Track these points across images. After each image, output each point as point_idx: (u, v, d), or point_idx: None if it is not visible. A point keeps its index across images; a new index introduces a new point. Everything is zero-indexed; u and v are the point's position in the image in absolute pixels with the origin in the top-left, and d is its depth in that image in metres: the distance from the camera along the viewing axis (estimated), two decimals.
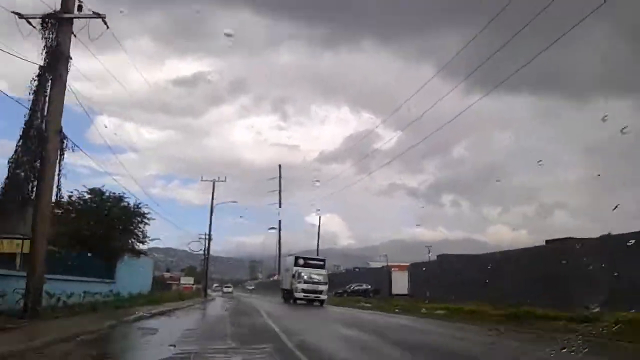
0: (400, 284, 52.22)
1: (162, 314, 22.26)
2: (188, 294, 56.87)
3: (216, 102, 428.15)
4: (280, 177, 70.03)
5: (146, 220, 27.78)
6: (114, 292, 26.22)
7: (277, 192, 70.77)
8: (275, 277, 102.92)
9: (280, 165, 72.07)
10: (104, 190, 26.68)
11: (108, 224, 25.54)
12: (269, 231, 76.91)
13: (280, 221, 69.70)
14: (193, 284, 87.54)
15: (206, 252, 66.93)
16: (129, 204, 27.22)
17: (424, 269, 43.40)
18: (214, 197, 59.55)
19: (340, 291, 54.49)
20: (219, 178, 60.42)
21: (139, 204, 27.72)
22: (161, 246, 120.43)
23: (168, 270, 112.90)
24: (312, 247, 72.03)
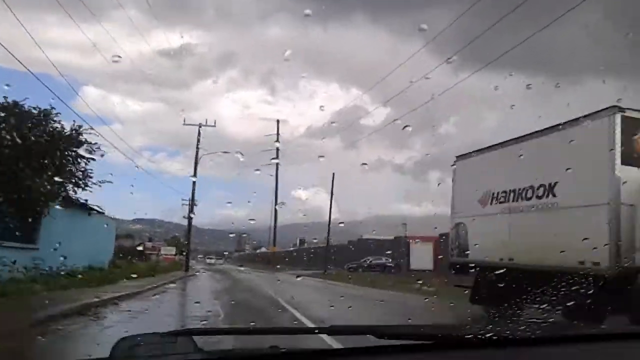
0: (422, 258, 43.20)
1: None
2: (167, 266, 47.67)
3: (203, 75, 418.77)
4: (277, 133, 59.82)
5: (89, 154, 17.52)
6: (39, 264, 16.50)
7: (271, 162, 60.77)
8: (263, 250, 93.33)
9: (278, 121, 61.65)
10: (22, 104, 16.55)
11: (25, 156, 15.40)
12: (257, 173, 66.71)
13: (277, 177, 59.52)
14: (175, 254, 78.41)
15: (190, 212, 57.62)
16: (62, 127, 17.09)
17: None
18: (199, 147, 48.78)
19: (353, 265, 45.52)
20: (206, 121, 49.35)
21: (80, 127, 17.44)
22: (147, 217, 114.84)
23: (150, 240, 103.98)
24: (298, 221, 63.61)
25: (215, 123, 49.97)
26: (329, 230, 43.10)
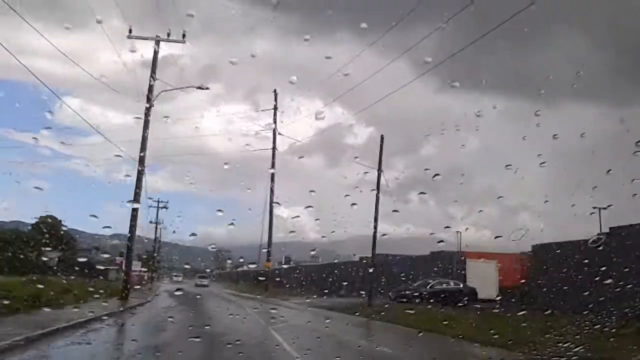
0: (483, 282, 29.63)
1: None
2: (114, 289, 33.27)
3: (186, 88, 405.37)
4: (276, 105, 45.60)
5: None
6: None
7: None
8: (251, 266, 78.65)
9: (275, 90, 47.27)
10: None
11: None
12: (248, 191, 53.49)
13: (273, 162, 44.93)
14: (144, 272, 63.93)
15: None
16: None
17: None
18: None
19: (403, 292, 29.01)
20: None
21: None
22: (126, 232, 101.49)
23: (121, 255, 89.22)
24: (276, 239, 51.66)
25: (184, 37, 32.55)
26: (374, 243, 27.90)
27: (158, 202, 54.66)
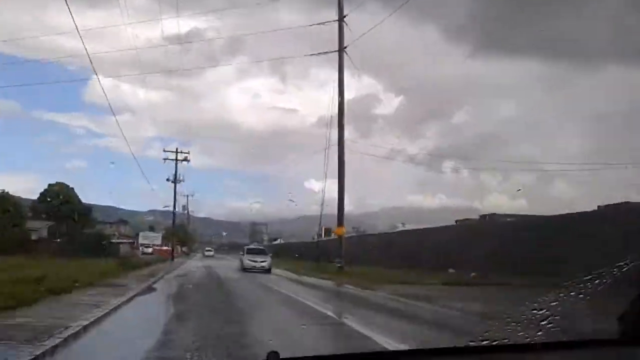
0: None
1: None
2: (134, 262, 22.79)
3: (213, 62, 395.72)
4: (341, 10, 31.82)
5: None
6: None
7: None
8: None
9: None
10: None
11: None
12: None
13: (341, 88, 31.29)
14: (162, 246, 53.56)
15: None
16: None
17: None
18: None
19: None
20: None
21: None
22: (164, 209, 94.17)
23: (152, 229, 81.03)
24: (310, 212, 50.27)
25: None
26: None
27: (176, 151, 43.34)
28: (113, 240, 39.32)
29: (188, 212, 66.22)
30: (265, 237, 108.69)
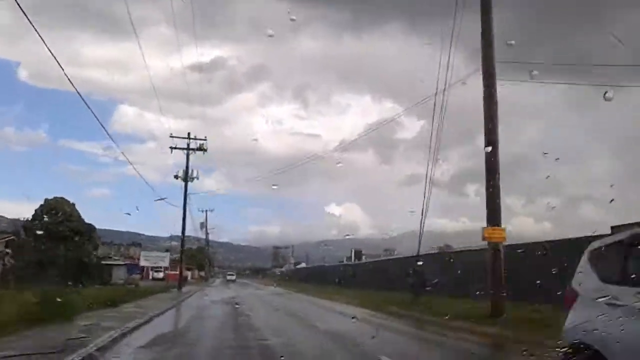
0: None
1: None
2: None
3: (235, 90, 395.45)
4: None
5: None
6: None
7: None
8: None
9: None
10: None
11: None
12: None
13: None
14: (167, 270, 44.90)
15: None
16: None
17: None
18: None
19: None
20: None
21: None
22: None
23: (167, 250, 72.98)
24: (330, 237, 42.64)
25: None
26: None
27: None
28: (106, 262, 30.50)
29: (206, 228, 57.91)
30: (292, 261, 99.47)
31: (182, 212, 34.48)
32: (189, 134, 36.13)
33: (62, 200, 48.57)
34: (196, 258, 71.37)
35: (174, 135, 36.12)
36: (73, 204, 49.86)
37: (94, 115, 17.97)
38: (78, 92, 13.53)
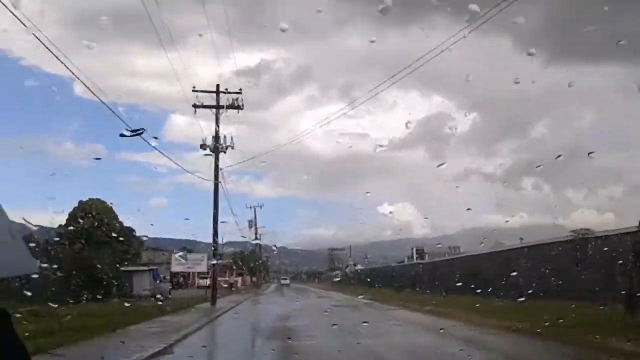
0: None
1: None
2: None
3: (282, 93, 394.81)
4: None
5: None
6: None
7: None
8: None
9: None
10: None
11: None
12: None
13: None
14: (207, 277, 39.11)
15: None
16: None
17: None
18: None
19: None
20: None
21: None
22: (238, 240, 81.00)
23: (221, 257, 68.29)
24: (383, 238, 55.77)
25: None
26: None
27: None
28: (125, 269, 24.49)
29: (256, 227, 52.22)
30: (351, 262, 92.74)
31: (233, 217, 28.75)
32: (217, 86, 27.86)
33: (97, 202, 43.99)
34: (248, 262, 65.86)
35: (197, 89, 27.71)
36: (111, 205, 45.22)
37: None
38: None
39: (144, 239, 41.54)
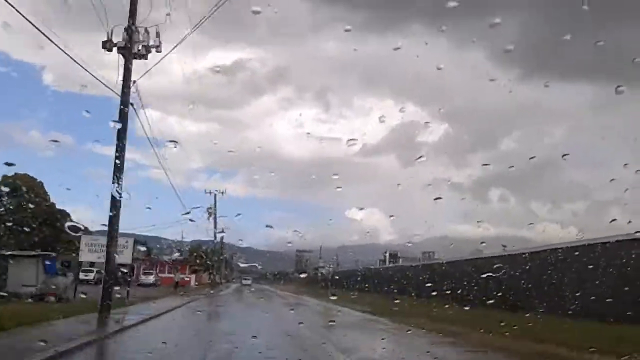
0: None
1: None
2: None
3: (256, 93, 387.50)
4: None
5: None
6: None
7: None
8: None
9: None
10: None
11: None
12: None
13: None
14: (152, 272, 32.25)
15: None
16: None
17: None
18: None
19: None
20: None
21: None
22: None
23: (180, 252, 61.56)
24: (351, 242, 58.03)
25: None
26: None
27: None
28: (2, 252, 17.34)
29: (216, 216, 45.69)
30: (322, 264, 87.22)
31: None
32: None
33: (25, 178, 36.62)
34: (210, 259, 58.98)
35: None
36: (41, 183, 37.96)
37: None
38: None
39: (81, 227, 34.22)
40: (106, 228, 15.79)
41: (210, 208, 47.25)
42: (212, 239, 53.20)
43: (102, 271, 26.60)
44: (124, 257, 17.78)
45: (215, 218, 47.66)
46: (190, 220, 33.71)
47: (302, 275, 79.72)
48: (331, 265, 78.98)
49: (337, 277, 54.69)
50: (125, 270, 21.47)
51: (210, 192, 53.75)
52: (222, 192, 54.20)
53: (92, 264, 32.55)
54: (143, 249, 32.10)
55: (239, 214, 10.75)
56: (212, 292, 38.81)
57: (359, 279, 42.13)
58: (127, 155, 16.90)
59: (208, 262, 53.85)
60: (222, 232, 47.10)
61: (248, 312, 23.28)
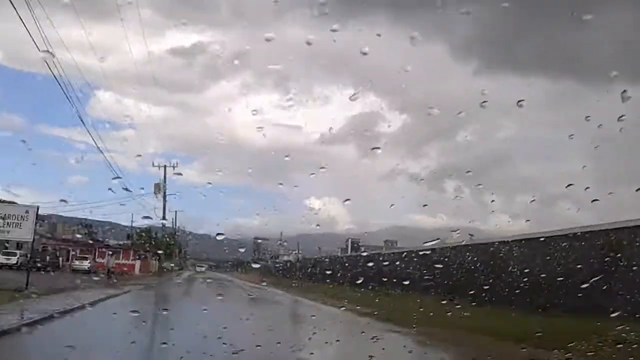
0: None
1: None
2: None
3: (216, 78, 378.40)
4: None
5: None
6: None
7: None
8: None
9: None
10: None
11: None
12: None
13: None
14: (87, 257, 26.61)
15: None
16: None
17: None
18: None
19: None
20: None
21: None
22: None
23: (129, 237, 59.41)
24: (310, 231, 53.84)
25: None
26: None
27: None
28: None
29: (165, 193, 40.43)
30: (283, 252, 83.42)
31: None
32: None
33: None
34: (161, 244, 53.13)
35: None
36: None
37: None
38: None
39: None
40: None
41: (159, 183, 41.57)
42: (163, 220, 47.69)
43: (29, 254, 20.99)
44: (20, 231, 12.36)
45: (164, 195, 42.13)
46: (125, 189, 28.01)
47: (255, 266, 73.97)
48: (293, 252, 74.73)
49: (307, 265, 49.87)
50: (26, 253, 15.87)
51: (159, 166, 47.95)
52: (174, 166, 48.20)
53: (19, 245, 26.65)
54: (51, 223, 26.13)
55: (177, 193, 6.20)
56: (155, 282, 32.37)
57: (331, 267, 37.59)
58: (80, 137, 12.28)
59: (157, 247, 48.00)
60: (175, 213, 41.67)
61: (193, 319, 12.69)
